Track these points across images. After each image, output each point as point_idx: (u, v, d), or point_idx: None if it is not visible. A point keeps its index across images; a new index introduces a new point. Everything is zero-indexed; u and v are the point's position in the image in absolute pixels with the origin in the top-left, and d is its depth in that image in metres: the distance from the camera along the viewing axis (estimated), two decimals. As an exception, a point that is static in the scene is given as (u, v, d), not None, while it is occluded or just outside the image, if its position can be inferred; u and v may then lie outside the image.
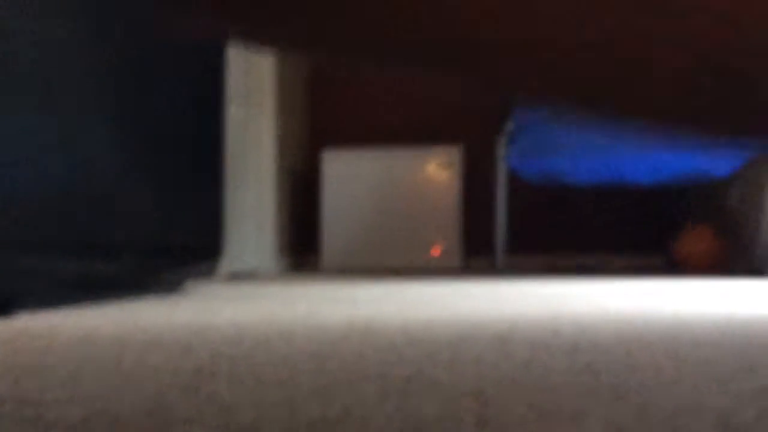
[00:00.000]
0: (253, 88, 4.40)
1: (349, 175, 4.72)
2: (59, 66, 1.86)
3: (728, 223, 3.74)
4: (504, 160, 3.21)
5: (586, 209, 4.93)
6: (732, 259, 3.64)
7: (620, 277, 3.25)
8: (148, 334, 1.33)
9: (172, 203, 2.42)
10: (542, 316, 1.61)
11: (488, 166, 3.53)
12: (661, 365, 0.95)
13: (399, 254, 4.62)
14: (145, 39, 2.27)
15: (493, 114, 4.84)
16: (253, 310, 1.84)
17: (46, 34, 1.80)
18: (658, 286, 2.63)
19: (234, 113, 3.99)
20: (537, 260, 4.94)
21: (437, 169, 4.65)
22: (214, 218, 2.74)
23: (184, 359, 1.04)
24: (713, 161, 3.03)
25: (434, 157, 4.62)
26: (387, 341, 1.21)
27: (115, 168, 2.07)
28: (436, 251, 4.62)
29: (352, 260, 4.65)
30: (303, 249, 5.01)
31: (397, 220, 4.68)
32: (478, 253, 4.81)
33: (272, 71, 4.53)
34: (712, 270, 3.67)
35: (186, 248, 2.54)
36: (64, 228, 1.83)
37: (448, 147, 4.71)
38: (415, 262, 4.61)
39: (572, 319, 1.52)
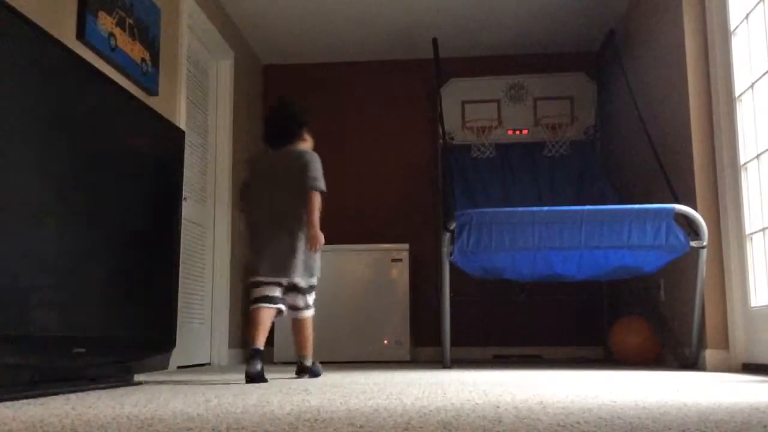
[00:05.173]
0: (208, 185, 4.50)
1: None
2: (12, 157, 1.92)
3: (660, 317, 3.91)
4: (448, 257, 3.33)
5: (526, 303, 5.08)
6: (665, 352, 3.79)
7: (557, 368, 3.34)
8: (93, 427, 1.33)
9: (124, 296, 2.44)
10: (485, 404, 1.68)
11: (432, 264, 3.65)
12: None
13: (351, 347, 4.66)
14: (103, 135, 2.36)
15: (436, 215, 5.04)
16: (202, 401, 1.85)
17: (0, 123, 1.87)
18: (593, 376, 2.72)
19: (189, 209, 4.06)
20: (481, 352, 5.02)
21: (389, 265, 4.76)
22: (167, 311, 2.76)
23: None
24: (643, 258, 3.22)
25: (386, 254, 4.75)
26: (334, 431, 1.25)
27: (65, 260, 2.11)
28: (386, 343, 4.68)
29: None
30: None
31: (349, 315, 4.74)
32: (425, 345, 4.89)
33: (228, 167, 4.65)
34: (646, 362, 3.79)
35: (137, 340, 2.54)
36: (9, 321, 1.84)
37: (399, 244, 4.86)
38: (367, 354, 4.65)
39: (514, 407, 1.59)
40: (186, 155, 3.96)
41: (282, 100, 2.99)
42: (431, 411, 1.56)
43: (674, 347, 3.65)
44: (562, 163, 4.78)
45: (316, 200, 2.73)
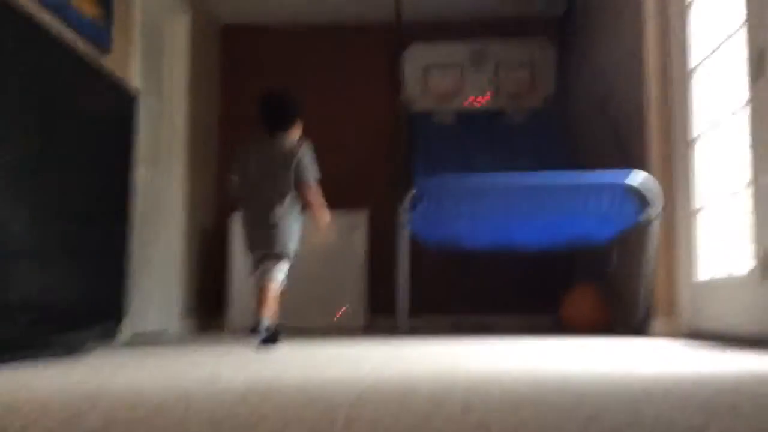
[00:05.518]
0: (163, 149, 4.40)
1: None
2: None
3: (610, 286, 4.00)
4: (406, 225, 3.33)
5: (482, 272, 5.13)
6: (614, 319, 3.88)
7: (513, 336, 3.40)
8: (39, 399, 1.29)
9: (73, 263, 2.39)
10: (439, 374, 1.70)
11: (391, 231, 3.65)
12: (546, 421, 1.05)
13: (306, 315, 4.64)
14: (54, 99, 2.27)
15: (396, 182, 5.02)
16: (153, 373, 1.82)
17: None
18: (548, 345, 2.77)
19: (143, 174, 3.97)
20: (437, 320, 5.07)
21: (345, 232, 4.74)
22: (118, 280, 2.71)
23: (75, 425, 1.02)
24: (597, 228, 3.27)
25: (342, 221, 4.72)
26: (286, 402, 1.25)
27: (12, 227, 2.04)
28: (340, 311, 4.68)
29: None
30: (210, 310, 4.94)
31: (305, 281, 4.71)
32: (382, 313, 4.91)
33: (183, 132, 4.55)
34: (596, 329, 3.88)
35: (86, 310, 2.50)
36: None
37: (356, 211, 4.83)
38: (322, 322, 4.65)
39: (466, 377, 1.61)
40: (140, 116, 3.86)
41: (277, 89, 3.23)
42: (384, 382, 1.57)
43: (624, 315, 3.73)
44: (521, 132, 4.80)
45: (315, 189, 3.01)
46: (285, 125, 3.06)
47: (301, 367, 1.95)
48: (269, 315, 2.94)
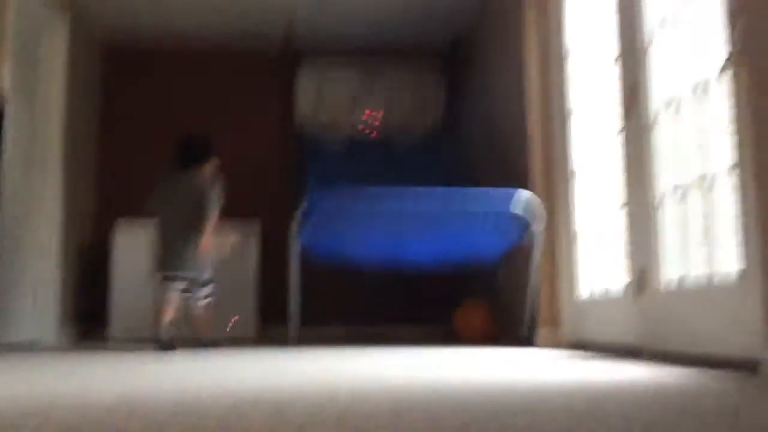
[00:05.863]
0: (36, 157, 4.16)
1: (141, 245, 4.57)
2: None
3: (499, 300, 4.12)
4: (297, 237, 3.30)
5: (376, 284, 5.16)
6: (502, 331, 3.99)
7: (403, 347, 3.43)
8: None
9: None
10: (322, 386, 1.67)
11: (284, 242, 3.62)
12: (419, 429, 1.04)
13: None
14: None
15: (288, 193, 4.99)
16: (16, 386, 1.70)
17: None
18: (436, 355, 2.80)
19: (15, 177, 3.74)
20: (330, 330, 5.05)
21: (236, 242, 4.64)
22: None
23: None
24: (485, 245, 3.35)
25: (233, 230, 4.62)
26: (154, 416, 1.19)
27: None
28: (231, 320, 4.57)
29: (142, 330, 4.45)
30: (91, 319, 4.72)
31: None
32: (275, 324, 4.82)
33: (58, 142, 4.32)
34: (486, 340, 3.99)
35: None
36: None
37: (247, 220, 4.75)
38: (213, 331, 4.50)
39: (349, 388, 1.60)
40: (11, 121, 3.64)
41: (192, 134, 3.72)
42: (267, 394, 1.53)
43: (511, 327, 3.85)
44: (411, 155, 4.89)
45: (213, 217, 3.44)
46: (196, 161, 3.53)
47: (178, 380, 1.88)
48: (171, 325, 3.42)
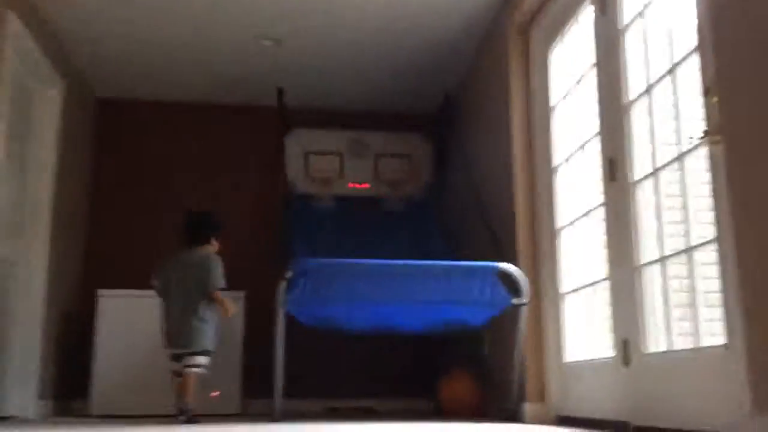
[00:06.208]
0: (26, 223, 4.15)
1: (124, 316, 4.51)
2: None
3: (484, 371, 4.09)
4: (282, 306, 3.29)
5: (361, 357, 5.11)
6: (488, 404, 3.95)
7: (389, 422, 3.37)
8: None
9: None
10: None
11: (268, 314, 3.60)
12: None
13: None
14: None
15: (275, 264, 4.97)
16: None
17: None
18: (419, 430, 2.77)
19: (0, 247, 3.72)
20: (315, 404, 4.96)
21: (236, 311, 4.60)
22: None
23: None
24: (469, 314, 3.36)
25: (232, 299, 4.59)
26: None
27: None
28: (214, 394, 4.47)
29: (124, 405, 4.35)
30: (72, 393, 4.61)
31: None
32: (258, 398, 4.73)
33: (48, 205, 4.32)
34: (472, 414, 3.94)
35: None
36: None
37: (234, 292, 4.71)
38: (194, 406, 4.41)
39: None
40: (2, 187, 3.65)
41: (199, 210, 3.94)
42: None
43: (497, 400, 3.81)
44: (399, 219, 4.92)
45: (218, 294, 3.62)
46: (200, 240, 3.69)
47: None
48: (189, 400, 3.51)
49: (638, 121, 2.74)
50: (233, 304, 3.72)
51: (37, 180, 4.26)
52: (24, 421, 3.77)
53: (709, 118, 2.14)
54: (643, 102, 2.71)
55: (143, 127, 5.43)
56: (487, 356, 4.06)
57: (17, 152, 4.01)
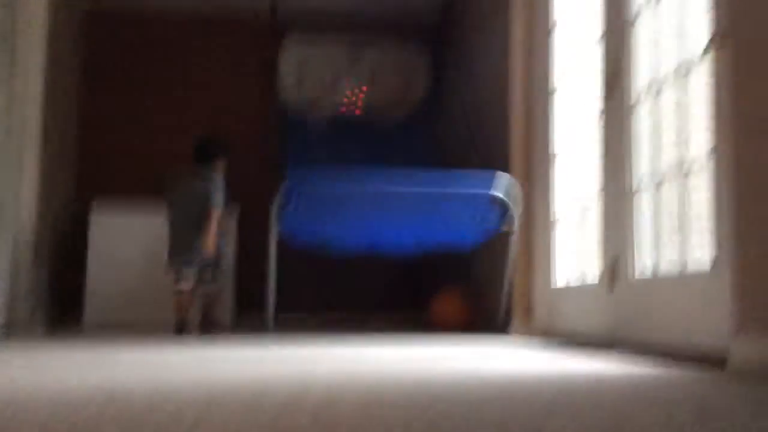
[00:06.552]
0: (15, 127, 4.09)
1: (118, 228, 4.53)
2: None
3: (475, 288, 4.15)
4: (276, 223, 3.30)
5: (353, 271, 5.17)
6: (478, 319, 4.03)
7: (380, 334, 3.45)
8: None
9: None
10: (294, 378, 1.69)
11: (261, 228, 3.61)
12: (392, 421, 1.06)
13: (170, 310, 4.47)
14: None
15: (268, 179, 4.95)
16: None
17: None
18: (410, 344, 2.83)
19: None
20: (308, 317, 5.06)
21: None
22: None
23: None
24: (464, 234, 3.38)
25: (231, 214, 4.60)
26: (132, 409, 1.20)
27: None
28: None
29: (118, 316, 4.42)
30: (65, 305, 4.67)
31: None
32: (252, 310, 4.82)
33: (38, 113, 4.24)
34: (461, 328, 4.02)
35: None
36: None
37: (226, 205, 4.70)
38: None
39: (324, 380, 1.61)
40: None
41: (206, 135, 4.18)
42: (239, 385, 1.54)
43: (487, 316, 3.88)
44: (394, 135, 4.87)
45: (214, 214, 3.71)
46: (205, 160, 3.85)
47: (155, 372, 1.88)
48: (186, 312, 3.71)
49: (644, 28, 2.64)
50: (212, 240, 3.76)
51: (26, 88, 4.17)
52: (17, 334, 3.84)
53: (716, 23, 2.07)
54: (650, 8, 2.60)
55: (137, 37, 5.29)
56: (479, 274, 4.11)
57: (5, 61, 3.91)
